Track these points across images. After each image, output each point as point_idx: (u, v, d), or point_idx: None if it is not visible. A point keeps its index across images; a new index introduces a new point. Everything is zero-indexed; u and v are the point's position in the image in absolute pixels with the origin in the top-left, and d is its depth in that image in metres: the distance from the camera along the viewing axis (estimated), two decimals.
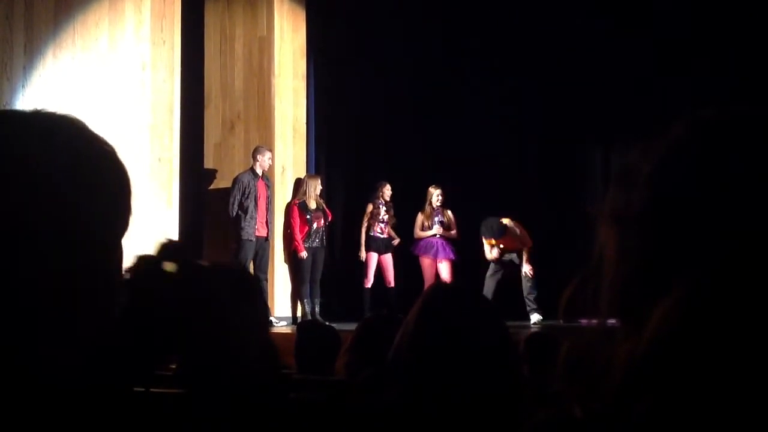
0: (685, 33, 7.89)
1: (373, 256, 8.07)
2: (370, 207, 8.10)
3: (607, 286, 0.60)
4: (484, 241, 7.63)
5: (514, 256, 7.63)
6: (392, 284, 8.10)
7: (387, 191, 8.09)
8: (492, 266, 7.68)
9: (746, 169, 0.52)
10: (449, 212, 8.02)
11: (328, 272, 8.14)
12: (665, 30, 7.93)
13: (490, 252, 7.61)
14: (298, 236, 7.85)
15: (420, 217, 8.02)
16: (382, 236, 8.08)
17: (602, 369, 0.58)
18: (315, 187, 7.95)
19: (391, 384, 1.56)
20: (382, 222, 8.08)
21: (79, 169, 0.69)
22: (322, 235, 7.96)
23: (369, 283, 8.05)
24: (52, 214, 0.65)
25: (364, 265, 8.07)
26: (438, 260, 7.92)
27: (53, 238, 0.65)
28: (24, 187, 0.66)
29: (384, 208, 8.09)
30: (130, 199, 0.74)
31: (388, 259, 8.11)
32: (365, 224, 8.10)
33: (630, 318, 0.57)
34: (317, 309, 7.89)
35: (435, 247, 7.93)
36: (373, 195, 8.12)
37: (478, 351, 1.47)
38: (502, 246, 7.60)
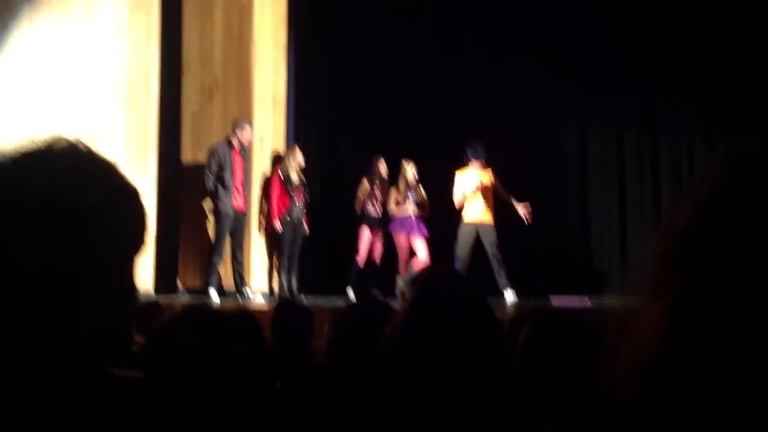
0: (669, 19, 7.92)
1: (366, 232, 8.01)
2: (366, 184, 7.96)
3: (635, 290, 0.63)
4: (468, 169, 7.53)
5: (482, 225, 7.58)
6: (378, 261, 8.07)
7: (382, 167, 7.98)
8: (463, 236, 7.58)
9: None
10: (422, 189, 7.95)
11: (307, 245, 8.10)
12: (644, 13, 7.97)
13: (470, 188, 7.49)
14: (275, 209, 7.80)
15: (393, 193, 7.91)
16: (375, 213, 8.00)
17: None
18: (296, 159, 7.89)
19: (380, 369, 1.57)
20: (376, 199, 8.00)
21: (105, 206, 0.81)
22: (302, 209, 7.91)
23: (361, 258, 7.95)
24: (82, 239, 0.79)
25: (356, 240, 7.99)
26: (412, 237, 7.89)
27: (81, 257, 0.78)
28: (61, 216, 0.79)
29: (378, 185, 7.97)
30: (144, 230, 0.85)
31: (378, 235, 8.05)
32: (361, 201, 7.99)
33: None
34: (295, 283, 7.88)
35: (409, 225, 7.89)
36: (368, 171, 8.03)
37: (470, 342, 1.48)
38: (485, 183, 7.55)
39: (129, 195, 0.83)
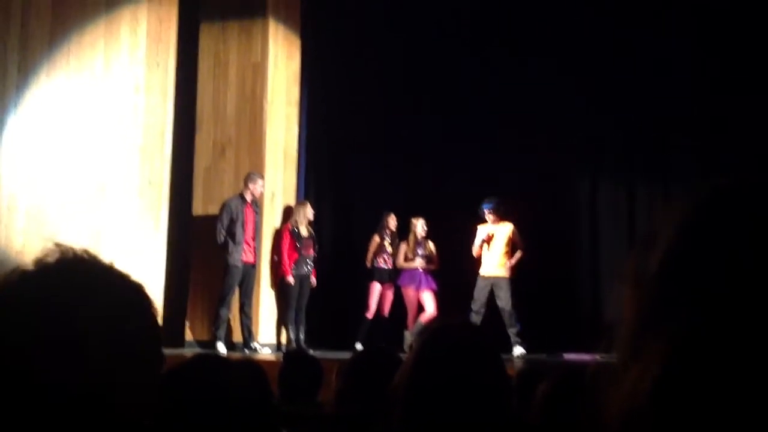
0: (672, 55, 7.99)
1: (377, 287, 8.05)
2: (376, 239, 8.08)
3: (618, 339, 0.63)
4: (487, 219, 7.60)
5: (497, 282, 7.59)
6: (386, 314, 8.09)
7: (392, 222, 8.10)
8: (477, 290, 7.60)
9: (752, 247, 0.56)
10: (431, 244, 8.04)
11: (316, 299, 8.10)
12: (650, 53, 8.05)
13: (477, 243, 7.57)
14: (287, 262, 7.83)
15: (403, 248, 8.03)
16: (386, 267, 8.07)
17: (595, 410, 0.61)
18: (306, 214, 7.97)
19: (387, 420, 1.56)
20: (386, 253, 8.07)
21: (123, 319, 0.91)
22: (311, 263, 7.95)
23: (370, 313, 8.00)
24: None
25: (366, 295, 8.03)
26: (420, 290, 7.93)
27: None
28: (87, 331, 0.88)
29: (388, 240, 8.09)
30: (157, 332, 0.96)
31: (389, 289, 8.10)
32: (371, 255, 8.07)
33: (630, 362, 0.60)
34: (302, 336, 7.86)
35: (418, 279, 7.94)
36: (378, 226, 8.12)
37: (474, 391, 1.48)
38: (492, 234, 7.58)
39: (144, 299, 0.94)
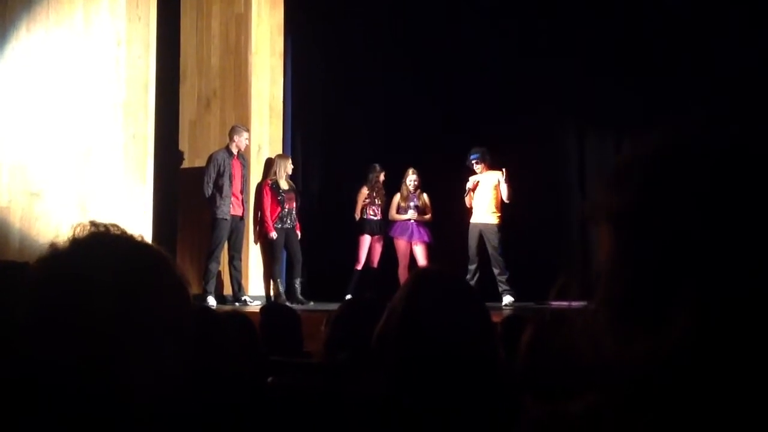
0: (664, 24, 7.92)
1: (366, 239, 8.08)
2: (364, 191, 8.10)
3: (604, 282, 0.61)
4: (475, 170, 7.61)
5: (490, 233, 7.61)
6: (376, 266, 8.14)
7: (379, 173, 8.10)
8: (469, 237, 7.63)
9: (726, 183, 0.57)
10: (425, 195, 8.05)
11: (305, 252, 8.12)
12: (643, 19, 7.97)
13: (471, 186, 7.60)
14: (269, 217, 7.83)
15: (396, 199, 8.05)
16: (375, 219, 8.09)
17: (592, 361, 0.60)
18: (285, 168, 7.93)
19: (373, 368, 1.57)
20: (375, 205, 8.08)
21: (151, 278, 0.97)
22: (294, 215, 7.95)
23: (360, 265, 8.06)
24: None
25: (356, 248, 8.06)
26: (413, 243, 7.96)
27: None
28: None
29: (375, 191, 8.10)
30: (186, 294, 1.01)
31: (378, 241, 8.13)
32: (359, 207, 8.09)
33: (643, 318, 0.59)
34: (299, 288, 7.89)
35: (410, 230, 7.96)
36: (366, 178, 8.12)
37: (462, 338, 1.49)
38: (477, 182, 7.60)
39: (169, 265, 0.98)
